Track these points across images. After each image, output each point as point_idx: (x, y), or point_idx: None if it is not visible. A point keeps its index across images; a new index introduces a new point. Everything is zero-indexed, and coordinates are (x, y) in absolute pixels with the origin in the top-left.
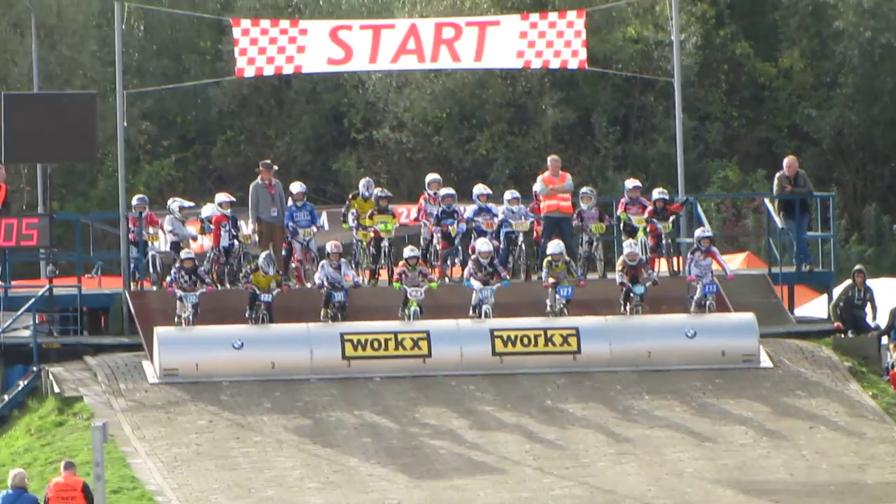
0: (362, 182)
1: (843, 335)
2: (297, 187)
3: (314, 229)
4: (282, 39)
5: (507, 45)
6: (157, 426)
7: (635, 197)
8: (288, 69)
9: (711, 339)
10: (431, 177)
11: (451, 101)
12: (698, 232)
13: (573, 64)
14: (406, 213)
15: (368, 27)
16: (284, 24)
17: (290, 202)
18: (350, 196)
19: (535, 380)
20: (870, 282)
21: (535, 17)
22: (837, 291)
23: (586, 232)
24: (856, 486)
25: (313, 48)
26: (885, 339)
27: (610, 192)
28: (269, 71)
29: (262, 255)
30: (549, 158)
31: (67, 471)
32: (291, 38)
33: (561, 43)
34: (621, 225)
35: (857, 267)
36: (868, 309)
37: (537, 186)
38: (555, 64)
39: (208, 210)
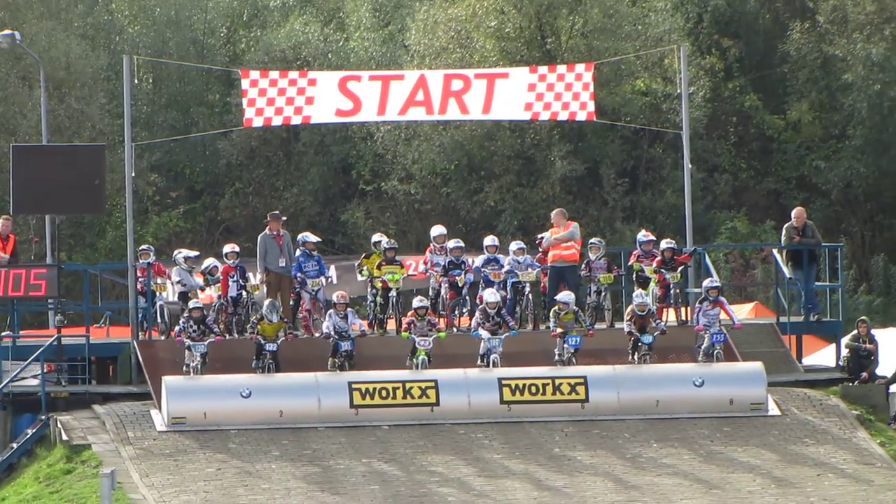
0: (380, 239)
1: (850, 384)
2: (312, 237)
3: (322, 280)
4: (290, 90)
5: (515, 97)
6: (165, 474)
7: (649, 249)
8: (296, 119)
9: (719, 388)
10: (437, 230)
11: (460, 152)
12: (706, 282)
13: (581, 116)
14: (414, 265)
15: (377, 78)
16: (293, 74)
17: (297, 252)
18: (363, 255)
19: (543, 428)
20: (878, 332)
21: (543, 69)
22: (845, 341)
23: (594, 282)
24: None
25: (322, 99)
26: (893, 388)
27: (618, 242)
28: (277, 121)
29: (266, 302)
30: (553, 212)
31: None
32: (300, 88)
33: (569, 95)
34: (634, 275)
35: (861, 318)
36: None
37: (544, 240)
38: (563, 116)
39: (208, 262)
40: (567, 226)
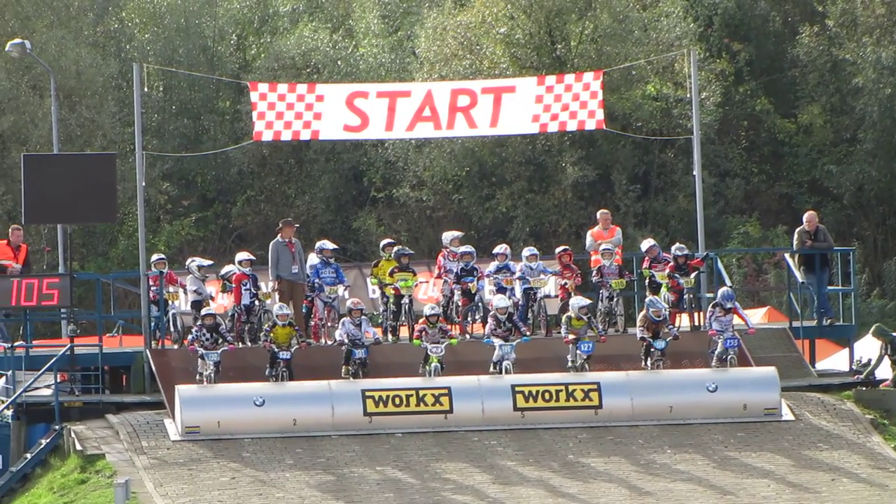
0: (390, 242)
1: (864, 388)
2: (329, 244)
3: (340, 289)
4: (298, 105)
5: (522, 110)
6: (179, 483)
7: (655, 255)
8: (305, 134)
9: (733, 393)
10: (453, 234)
11: (471, 159)
12: (722, 294)
13: (590, 125)
14: (427, 282)
15: (384, 95)
16: (301, 89)
17: (314, 259)
18: (373, 264)
19: (557, 434)
20: None
21: (551, 79)
22: (858, 345)
23: (606, 287)
24: None
25: (330, 115)
26: None
27: (630, 248)
28: (286, 136)
29: (276, 305)
30: (598, 213)
31: None
32: (308, 104)
33: (577, 105)
34: (646, 281)
35: None
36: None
37: (587, 241)
38: (572, 126)
39: (228, 268)
40: (612, 231)
